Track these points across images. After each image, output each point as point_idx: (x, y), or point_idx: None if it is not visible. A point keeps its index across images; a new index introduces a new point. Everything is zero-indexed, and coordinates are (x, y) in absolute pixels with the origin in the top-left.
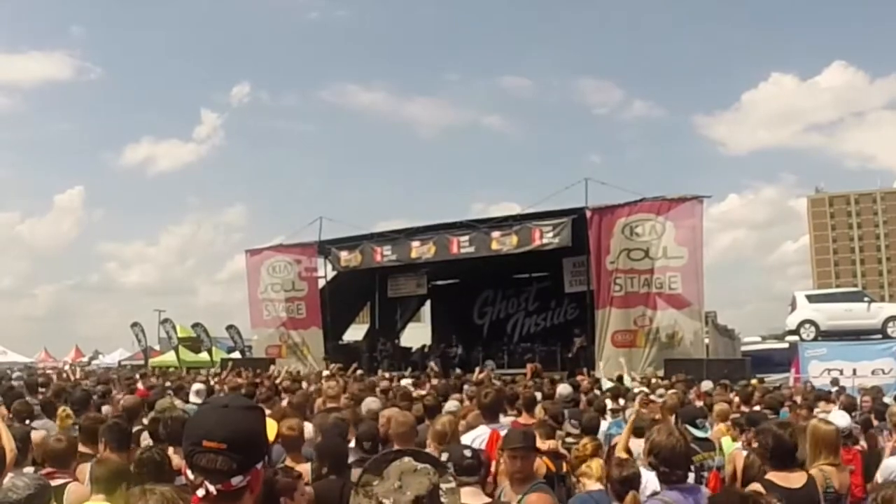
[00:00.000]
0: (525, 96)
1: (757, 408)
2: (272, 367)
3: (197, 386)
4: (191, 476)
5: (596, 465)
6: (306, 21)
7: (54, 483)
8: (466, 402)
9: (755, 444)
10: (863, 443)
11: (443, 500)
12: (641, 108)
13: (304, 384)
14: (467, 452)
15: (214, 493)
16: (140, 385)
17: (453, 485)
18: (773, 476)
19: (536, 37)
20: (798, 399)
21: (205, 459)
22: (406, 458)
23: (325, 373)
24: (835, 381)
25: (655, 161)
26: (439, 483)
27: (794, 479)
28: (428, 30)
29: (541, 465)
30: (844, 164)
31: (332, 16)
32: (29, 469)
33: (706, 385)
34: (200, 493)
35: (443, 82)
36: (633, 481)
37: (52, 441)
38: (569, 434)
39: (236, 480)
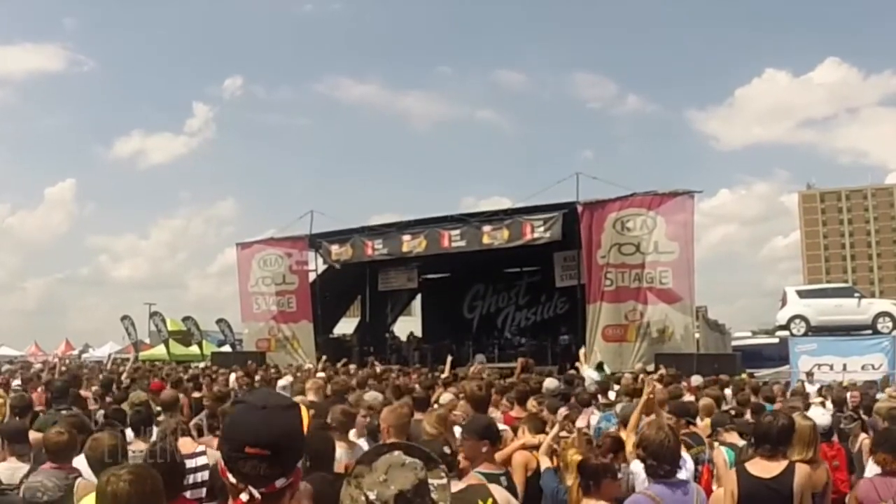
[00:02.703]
0: (519, 91)
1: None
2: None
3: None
4: (232, 480)
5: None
6: (300, 14)
7: None
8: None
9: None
10: (864, 435)
11: (433, 495)
12: (635, 102)
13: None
14: (446, 449)
15: (259, 497)
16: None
17: (445, 481)
18: (749, 464)
19: (531, 31)
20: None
21: (248, 466)
22: (396, 452)
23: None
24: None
25: (648, 156)
26: (428, 478)
27: (771, 468)
28: (422, 23)
29: (531, 458)
30: (837, 160)
31: (326, 9)
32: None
33: (696, 380)
34: (244, 497)
35: (436, 76)
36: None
37: (53, 434)
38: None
39: (280, 483)
